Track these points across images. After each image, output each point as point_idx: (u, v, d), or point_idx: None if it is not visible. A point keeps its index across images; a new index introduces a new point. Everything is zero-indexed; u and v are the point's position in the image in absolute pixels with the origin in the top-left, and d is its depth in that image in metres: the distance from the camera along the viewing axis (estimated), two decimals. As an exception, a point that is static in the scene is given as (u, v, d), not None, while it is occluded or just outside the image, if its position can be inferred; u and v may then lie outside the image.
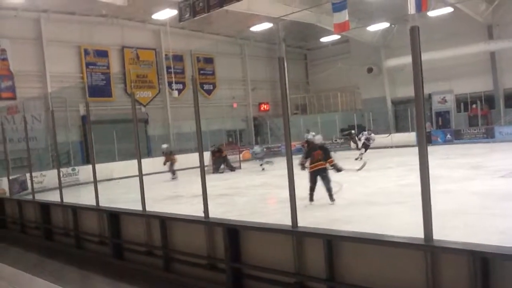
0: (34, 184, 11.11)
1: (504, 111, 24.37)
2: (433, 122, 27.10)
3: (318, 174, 9.12)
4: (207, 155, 18.94)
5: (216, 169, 19.40)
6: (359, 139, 20.52)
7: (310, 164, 9.17)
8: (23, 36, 20.69)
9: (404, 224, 6.73)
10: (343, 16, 18.47)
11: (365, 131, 21.09)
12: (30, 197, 10.91)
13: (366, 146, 19.21)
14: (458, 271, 3.31)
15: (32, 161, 11.83)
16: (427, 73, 3.51)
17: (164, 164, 17.86)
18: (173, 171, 17.88)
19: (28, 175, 13.44)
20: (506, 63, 24.45)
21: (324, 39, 29.46)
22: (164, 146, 18.71)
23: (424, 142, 3.48)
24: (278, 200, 10.73)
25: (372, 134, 19.94)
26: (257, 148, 20.35)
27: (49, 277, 6.20)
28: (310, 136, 21.96)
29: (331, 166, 9.25)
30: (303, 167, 9.18)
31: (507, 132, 23.37)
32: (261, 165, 18.70)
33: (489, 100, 25.68)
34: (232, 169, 19.61)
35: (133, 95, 9.86)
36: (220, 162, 19.59)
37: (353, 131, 25.03)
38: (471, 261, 3.18)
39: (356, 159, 17.99)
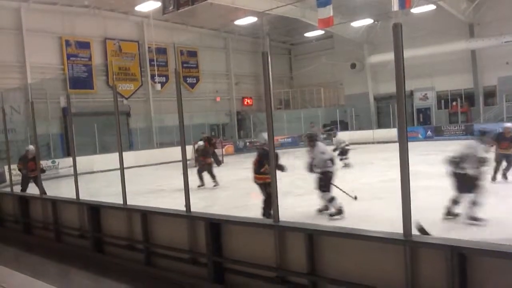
0: (13, 177, 10.89)
1: (483, 108, 24.80)
2: (414, 119, 27.45)
3: None
4: (189, 149, 18.80)
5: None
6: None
7: None
8: (2, 26, 20.22)
9: (384, 219, 6.83)
10: (328, 11, 18.49)
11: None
12: (8, 189, 10.71)
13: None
14: (436, 265, 3.37)
15: (11, 153, 11.58)
16: (409, 69, 3.55)
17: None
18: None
19: (6, 167, 13.22)
20: (486, 62, 24.87)
21: (308, 34, 29.54)
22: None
23: (405, 138, 3.51)
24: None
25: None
26: (340, 138, 16.14)
27: (28, 271, 6.12)
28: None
29: None
30: None
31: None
32: (341, 160, 14.74)
33: (469, 98, 26.14)
34: (218, 163, 19.51)
35: (115, 88, 9.76)
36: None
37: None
38: (449, 256, 3.24)
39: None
